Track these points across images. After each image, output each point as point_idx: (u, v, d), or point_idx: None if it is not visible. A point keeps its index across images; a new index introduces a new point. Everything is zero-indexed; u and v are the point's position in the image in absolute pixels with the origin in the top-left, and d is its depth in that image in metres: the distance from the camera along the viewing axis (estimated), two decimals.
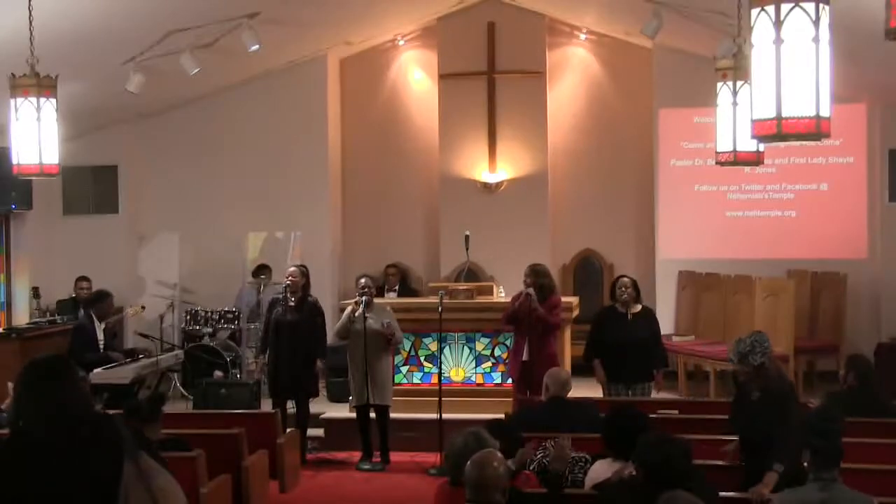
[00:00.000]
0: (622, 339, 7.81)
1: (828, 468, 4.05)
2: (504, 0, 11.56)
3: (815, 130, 3.87)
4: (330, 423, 9.19)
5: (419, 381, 9.45)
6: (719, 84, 6.50)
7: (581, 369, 8.79)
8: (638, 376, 7.88)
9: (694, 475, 4.26)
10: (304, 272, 8.72)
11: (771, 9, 3.84)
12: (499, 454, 4.03)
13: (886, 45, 4.34)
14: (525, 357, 8.06)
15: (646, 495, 3.91)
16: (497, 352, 9.37)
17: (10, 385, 5.70)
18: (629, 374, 7.86)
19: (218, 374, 10.01)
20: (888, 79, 9.76)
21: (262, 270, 11.02)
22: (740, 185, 11.27)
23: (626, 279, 8.11)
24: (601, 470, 4.95)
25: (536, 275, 8.14)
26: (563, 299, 9.27)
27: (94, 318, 8.92)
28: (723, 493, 4.76)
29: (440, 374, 8.69)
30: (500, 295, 9.61)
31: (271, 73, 11.61)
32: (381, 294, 10.62)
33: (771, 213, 11.32)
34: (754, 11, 3.90)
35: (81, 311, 9.58)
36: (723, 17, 8.02)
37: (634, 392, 7.86)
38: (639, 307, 8.05)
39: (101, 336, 8.92)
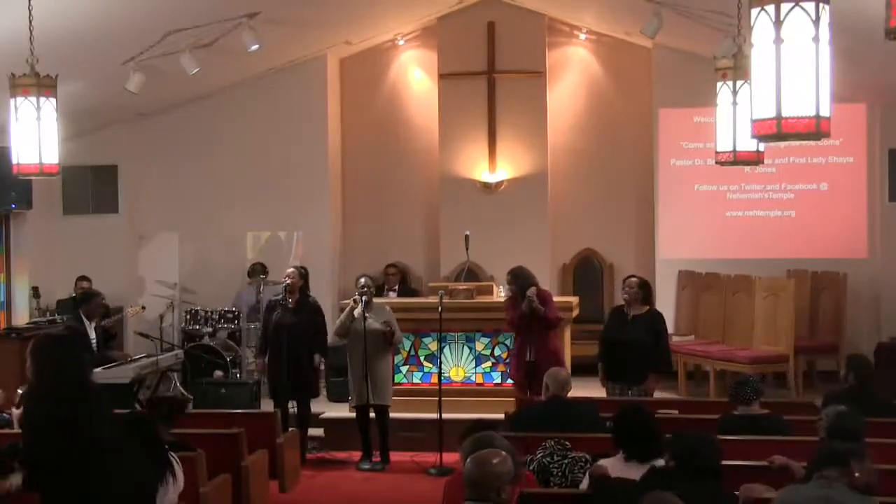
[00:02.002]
0: (619, 339, 7.75)
1: (829, 466, 4.02)
2: (504, 0, 11.57)
3: (815, 130, 3.88)
4: (330, 423, 9.18)
5: (419, 381, 9.45)
6: (719, 84, 6.50)
7: (581, 369, 8.79)
8: (635, 378, 7.77)
9: (721, 473, 4.32)
10: (302, 273, 8.70)
11: (771, 8, 3.84)
12: (501, 452, 4.00)
13: (886, 45, 4.34)
14: (530, 357, 8.04)
15: (673, 487, 3.93)
16: (497, 351, 9.37)
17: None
18: (627, 375, 7.80)
19: (218, 373, 10.01)
20: (888, 79, 9.76)
21: (258, 269, 11.01)
22: (740, 185, 11.27)
23: (633, 279, 7.96)
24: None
25: (517, 278, 8.12)
26: (563, 299, 9.28)
27: (84, 318, 8.92)
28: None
29: (440, 373, 8.69)
30: (500, 295, 9.59)
31: (271, 72, 11.60)
32: (380, 294, 10.62)
33: (771, 213, 11.32)
34: (754, 11, 3.90)
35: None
36: (723, 16, 8.01)
37: (633, 393, 7.79)
38: (644, 309, 7.86)
39: (92, 335, 8.92)
